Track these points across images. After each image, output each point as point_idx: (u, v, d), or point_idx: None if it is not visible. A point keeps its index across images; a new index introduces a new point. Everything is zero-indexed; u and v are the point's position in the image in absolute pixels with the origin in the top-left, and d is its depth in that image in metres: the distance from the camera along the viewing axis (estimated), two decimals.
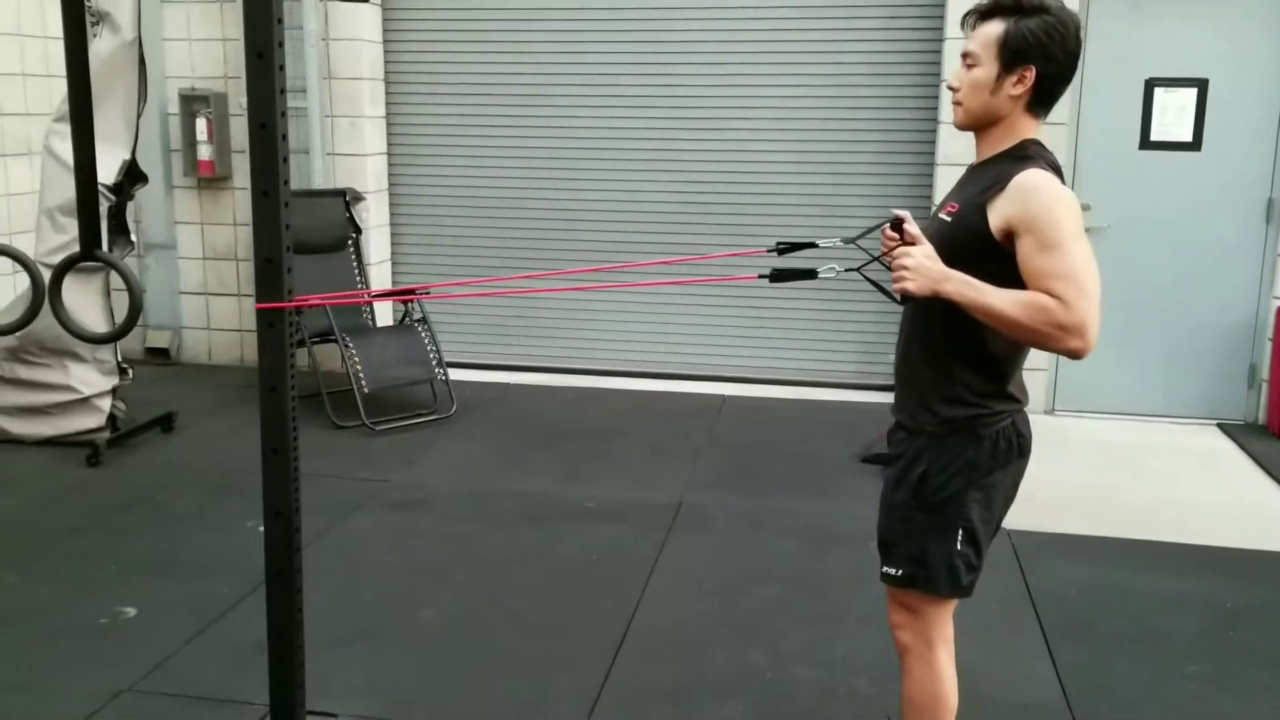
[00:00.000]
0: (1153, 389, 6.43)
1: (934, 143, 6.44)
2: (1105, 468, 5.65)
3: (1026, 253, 2.27)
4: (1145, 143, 6.16)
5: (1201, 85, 6.03)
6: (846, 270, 2.56)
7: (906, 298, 2.31)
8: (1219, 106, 6.06)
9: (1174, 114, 6.09)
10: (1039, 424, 6.08)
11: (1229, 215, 6.19)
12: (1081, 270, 2.22)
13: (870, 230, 2.63)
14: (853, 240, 2.61)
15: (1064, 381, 6.51)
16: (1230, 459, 5.82)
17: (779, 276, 2.52)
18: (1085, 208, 6.22)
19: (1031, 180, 2.30)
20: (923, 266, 2.28)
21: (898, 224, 2.35)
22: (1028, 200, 2.28)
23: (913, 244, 2.31)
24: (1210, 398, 6.39)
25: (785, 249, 2.68)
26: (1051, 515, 4.91)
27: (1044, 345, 2.28)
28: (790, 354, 7.05)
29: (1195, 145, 6.11)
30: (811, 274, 2.52)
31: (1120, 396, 6.47)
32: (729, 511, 4.93)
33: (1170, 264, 6.28)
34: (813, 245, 2.69)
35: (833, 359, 6.97)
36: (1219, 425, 6.31)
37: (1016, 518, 4.76)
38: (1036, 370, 6.38)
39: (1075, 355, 2.25)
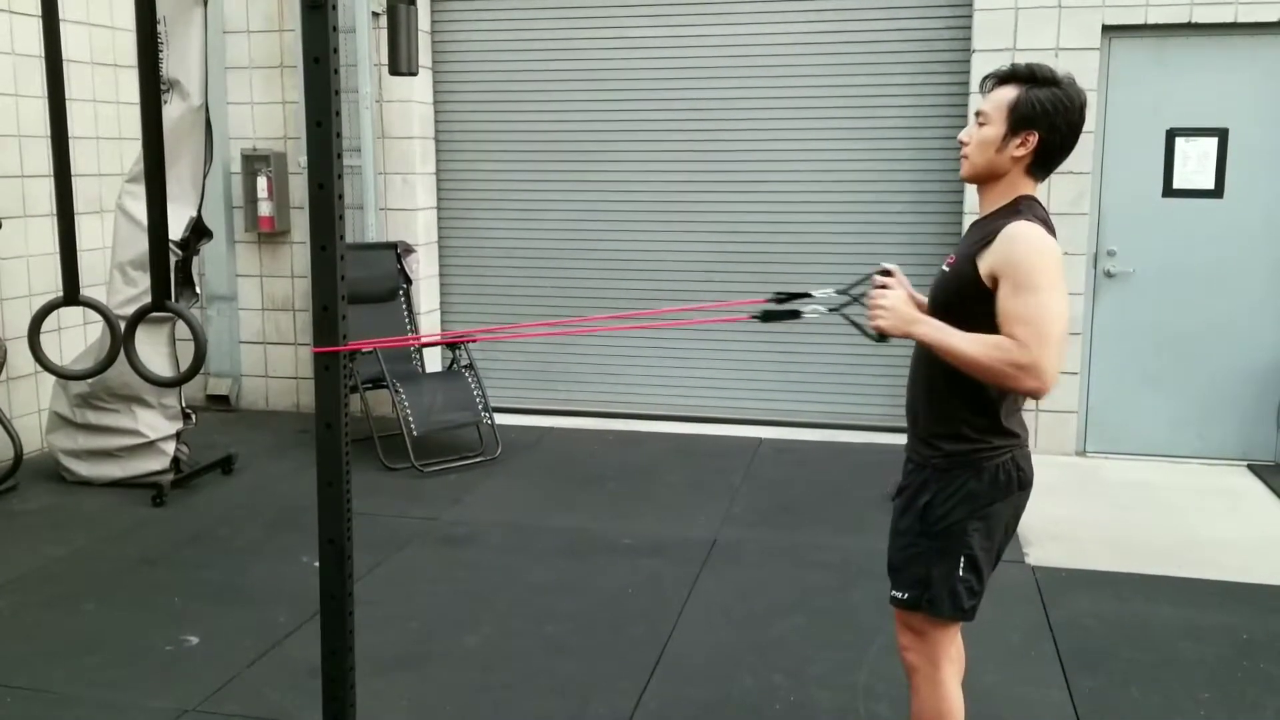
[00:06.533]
0: (1183, 431, 6.54)
1: (961, 196, 6.65)
2: (1133, 507, 5.77)
3: (1002, 296, 2.48)
4: (1168, 190, 6.33)
5: (1222, 134, 6.20)
6: (830, 311, 2.83)
7: (882, 335, 2.58)
8: (1240, 154, 6.22)
9: (1195, 162, 6.26)
10: (1070, 465, 6.35)
11: (1254, 259, 6.32)
12: (1046, 316, 2.42)
13: (861, 281, 2.87)
14: (845, 290, 2.88)
15: (1095, 423, 6.64)
16: (1257, 498, 5.92)
17: (769, 317, 2.85)
18: (1110, 253, 6.42)
19: (1016, 230, 2.51)
20: (896, 308, 2.56)
21: (886, 274, 2.61)
22: (1010, 248, 2.49)
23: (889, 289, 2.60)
24: (1240, 439, 6.48)
25: (783, 299, 2.94)
26: (1076, 552, 5.06)
27: (1003, 384, 2.49)
28: (825, 398, 7.24)
29: (1218, 192, 6.27)
30: (796, 314, 2.84)
31: (1151, 438, 6.58)
32: (761, 547, 5.13)
33: (1198, 307, 6.41)
34: (807, 295, 2.96)
35: (864, 403, 7.16)
36: (1249, 466, 6.39)
37: (1041, 554, 4.98)
38: (1067, 413, 6.53)
39: (1033, 395, 2.47)
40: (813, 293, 2.93)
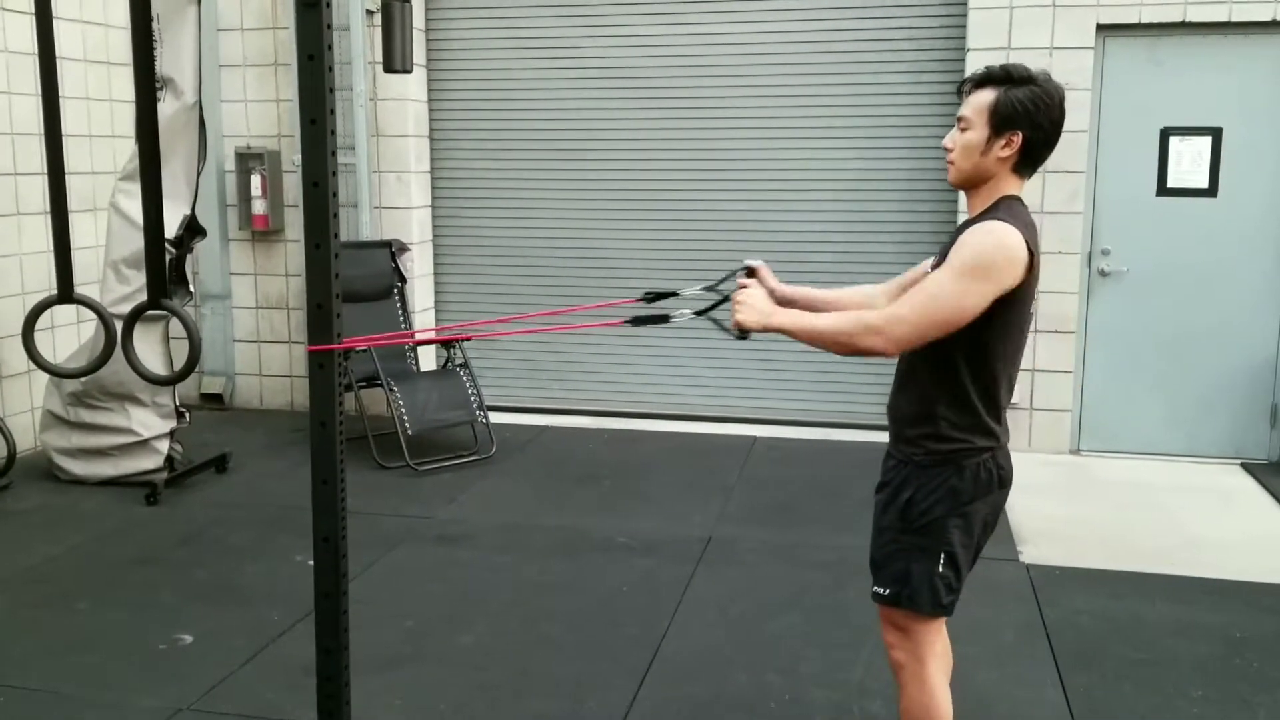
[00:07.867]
0: (1177, 429, 6.55)
1: (955, 195, 6.63)
2: (1127, 505, 5.78)
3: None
4: (1162, 189, 6.35)
5: (1215, 133, 6.22)
6: (696, 315, 2.89)
7: (743, 331, 2.67)
8: (1234, 154, 6.24)
9: (1189, 161, 6.27)
10: (1063, 463, 6.35)
11: (1247, 258, 6.34)
12: (938, 294, 2.48)
13: (726, 278, 2.97)
14: (713, 287, 2.98)
15: (1088, 422, 6.65)
16: (1251, 496, 5.93)
17: (639, 321, 2.88)
18: (1104, 252, 6.43)
19: (981, 225, 2.54)
20: (754, 304, 2.66)
21: (751, 272, 2.70)
22: (965, 237, 2.54)
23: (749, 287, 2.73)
24: (1234, 437, 6.49)
25: (652, 298, 3.04)
26: (1070, 551, 5.07)
27: (853, 346, 2.55)
28: (819, 396, 7.24)
29: (1211, 191, 6.28)
30: (664, 319, 2.91)
31: (1144, 437, 6.59)
32: (756, 545, 5.13)
33: (1192, 306, 6.42)
34: (675, 295, 3.05)
35: (859, 401, 7.15)
36: (1242, 464, 6.41)
37: (1035, 552, 4.99)
38: (1061, 411, 6.54)
39: (873, 352, 2.54)
40: (681, 291, 3.00)
